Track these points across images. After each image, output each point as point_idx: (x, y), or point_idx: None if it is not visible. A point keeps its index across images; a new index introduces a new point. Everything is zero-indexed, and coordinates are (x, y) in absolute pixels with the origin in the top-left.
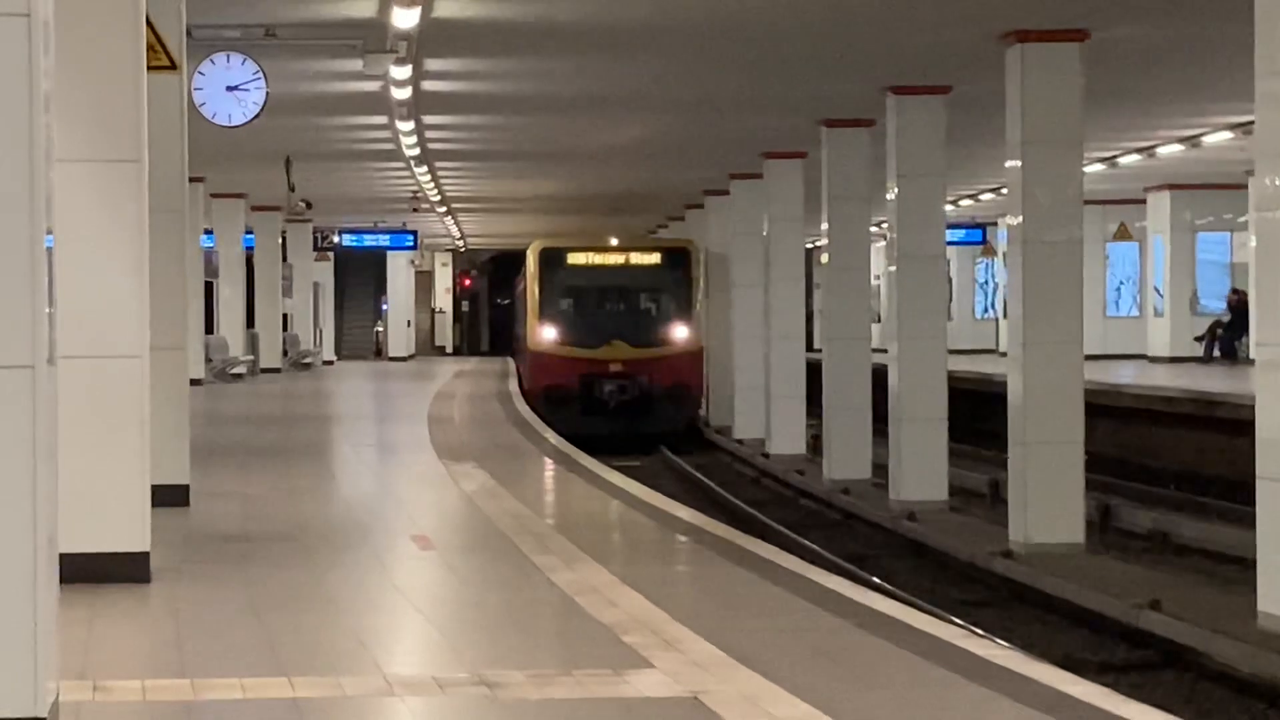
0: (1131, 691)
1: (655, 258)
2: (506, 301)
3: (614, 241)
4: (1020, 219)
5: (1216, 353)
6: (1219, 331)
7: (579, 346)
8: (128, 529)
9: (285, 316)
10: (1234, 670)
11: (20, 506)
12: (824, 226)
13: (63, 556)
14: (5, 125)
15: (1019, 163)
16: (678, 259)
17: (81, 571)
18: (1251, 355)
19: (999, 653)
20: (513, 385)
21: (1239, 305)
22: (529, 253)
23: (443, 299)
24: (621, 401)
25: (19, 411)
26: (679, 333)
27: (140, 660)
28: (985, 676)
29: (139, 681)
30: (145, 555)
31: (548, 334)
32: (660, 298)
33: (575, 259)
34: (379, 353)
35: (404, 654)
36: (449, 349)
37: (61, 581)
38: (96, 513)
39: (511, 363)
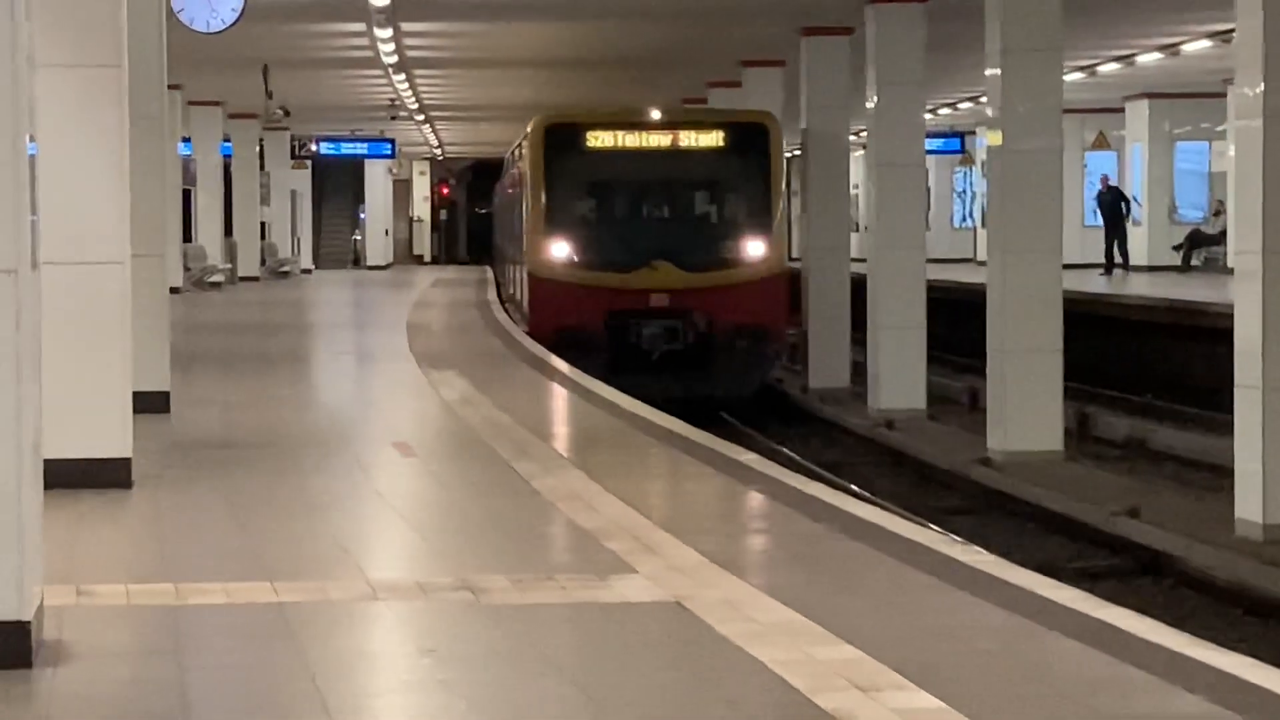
0: (1110, 597)
1: (717, 137)
2: (486, 210)
3: (655, 114)
4: (999, 128)
5: (1195, 261)
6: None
7: (605, 270)
8: (110, 435)
9: (263, 225)
10: (1211, 576)
11: (4, 411)
12: (803, 135)
13: (45, 462)
14: None
15: (998, 71)
16: (750, 139)
17: (64, 477)
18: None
19: (978, 558)
20: (491, 294)
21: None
22: (529, 133)
23: (421, 208)
24: (669, 351)
25: (2, 316)
26: (753, 249)
27: (124, 565)
28: (965, 581)
29: (123, 586)
30: (127, 461)
31: (558, 252)
32: (725, 197)
33: (597, 140)
34: (357, 261)
35: (387, 559)
36: (427, 258)
37: (45, 487)
38: (79, 418)
39: (490, 271)
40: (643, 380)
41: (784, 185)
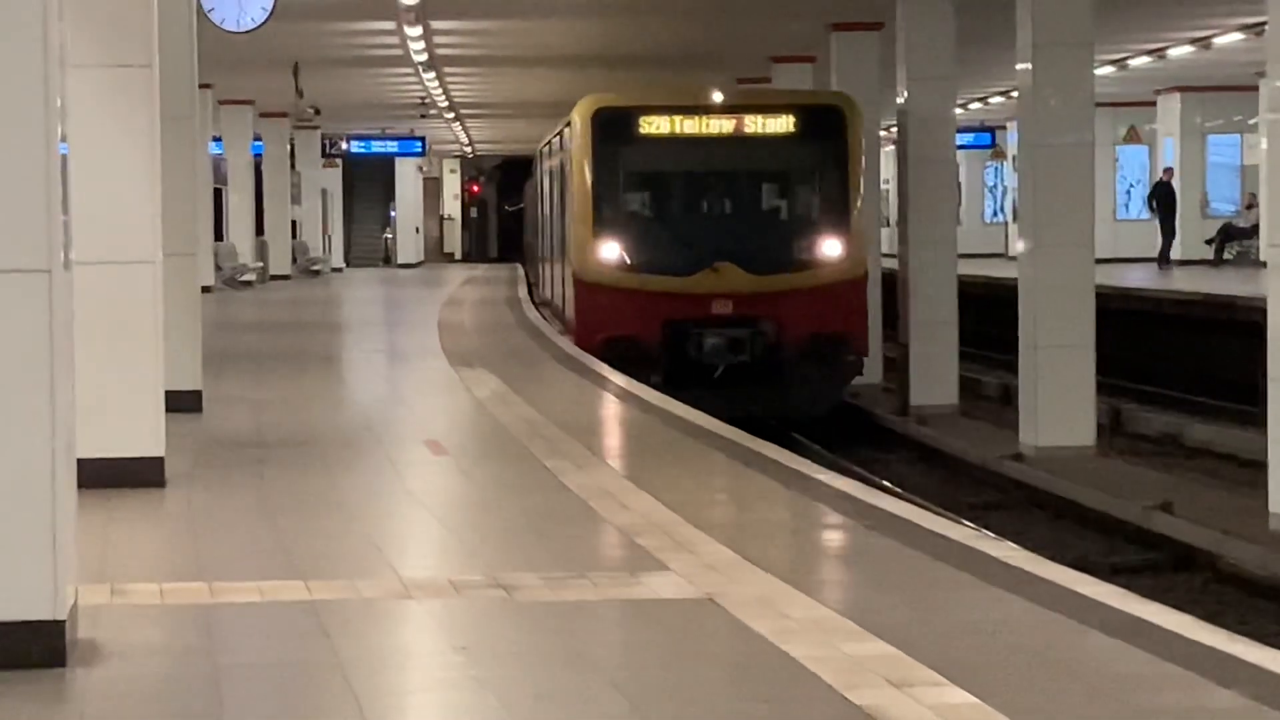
0: (1144, 593)
1: (787, 122)
2: (517, 207)
3: (716, 96)
4: (1031, 122)
5: (1227, 255)
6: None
7: (661, 273)
8: (142, 434)
9: (294, 224)
10: (1245, 571)
11: (38, 411)
12: None
13: (79, 462)
14: (19, 33)
15: (1029, 65)
16: (824, 123)
17: (97, 477)
18: (1262, 258)
19: (1011, 554)
20: (522, 291)
21: None
22: (575, 118)
23: (451, 205)
24: (735, 365)
25: (36, 315)
26: (829, 248)
27: (157, 563)
28: (998, 577)
29: (156, 585)
30: (160, 460)
31: (607, 253)
32: (796, 190)
33: (652, 126)
34: (388, 260)
35: (419, 557)
36: (457, 255)
37: (78, 487)
38: (112, 418)
39: (521, 269)
40: (703, 397)
41: (862, 175)
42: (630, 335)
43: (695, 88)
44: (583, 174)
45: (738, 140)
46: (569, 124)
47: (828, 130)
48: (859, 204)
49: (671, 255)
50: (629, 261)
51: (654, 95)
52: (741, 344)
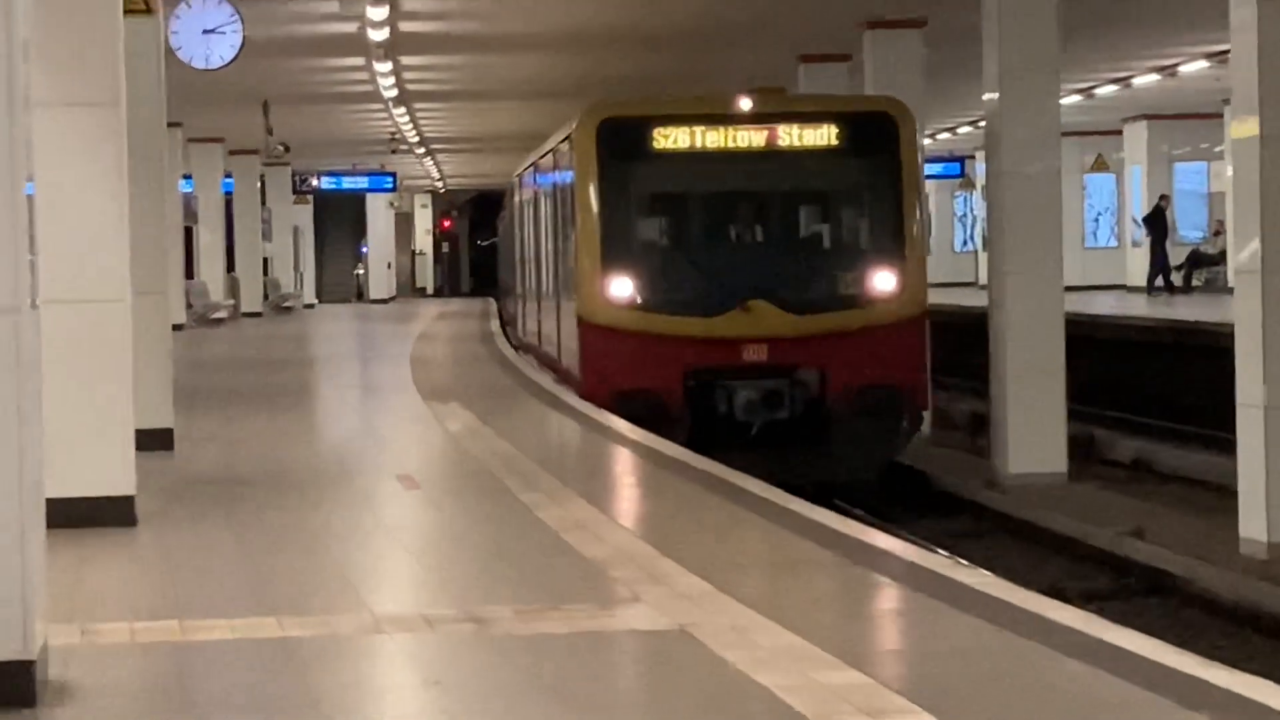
0: (1115, 618)
1: (829, 133)
2: (490, 241)
3: (744, 103)
4: (999, 151)
5: (1195, 282)
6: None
7: (683, 314)
8: (113, 473)
9: (265, 260)
10: (1216, 596)
11: (5, 451)
12: None
13: (49, 501)
14: None
15: (996, 95)
16: (873, 134)
17: (68, 516)
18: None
19: (984, 581)
20: (494, 325)
21: None
22: (576, 131)
23: (423, 240)
24: (773, 421)
25: (2, 355)
26: (881, 281)
27: (128, 603)
28: (970, 604)
29: (127, 624)
30: (131, 499)
31: (618, 291)
32: (841, 214)
33: (669, 140)
34: (360, 295)
35: (392, 592)
36: (430, 290)
37: (48, 527)
38: (81, 457)
39: (494, 303)
40: (734, 460)
41: (919, 194)
42: (646, 388)
43: (718, 93)
44: (587, 198)
45: (771, 155)
46: (567, 139)
47: (877, 142)
48: (915, 228)
49: (694, 292)
50: (644, 300)
51: (670, 103)
52: (779, 398)
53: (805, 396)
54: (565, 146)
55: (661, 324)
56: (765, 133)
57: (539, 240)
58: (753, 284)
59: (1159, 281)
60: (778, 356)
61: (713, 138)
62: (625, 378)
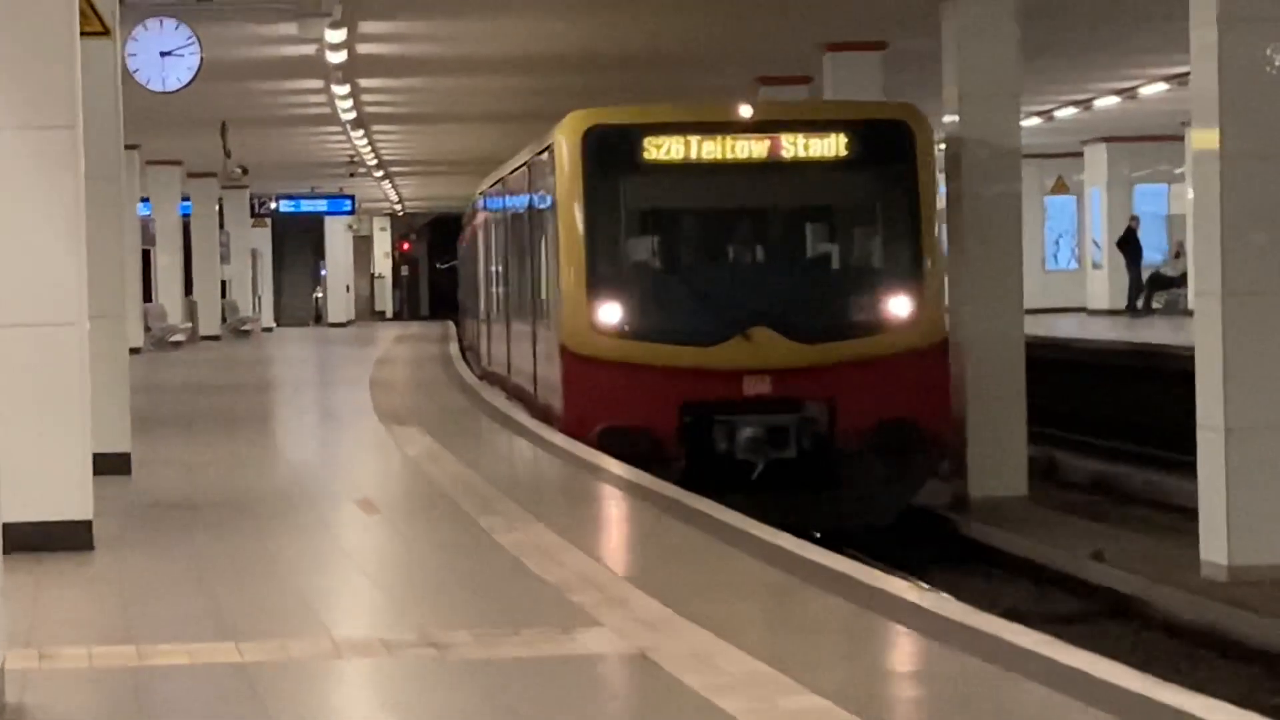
0: (1077, 641)
1: (837, 143)
2: (449, 264)
3: (744, 111)
4: (959, 173)
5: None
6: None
7: (678, 343)
8: (69, 497)
9: (223, 283)
10: (1178, 619)
11: None
12: None
13: (4, 526)
14: None
15: (956, 117)
16: (886, 144)
17: (24, 541)
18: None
19: (944, 605)
20: (453, 348)
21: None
22: (559, 141)
23: (382, 264)
24: (778, 461)
25: None
26: (896, 306)
27: (85, 628)
28: (931, 628)
29: (85, 649)
30: (88, 524)
31: (606, 317)
32: (851, 232)
33: (662, 150)
34: (318, 319)
35: (350, 617)
36: (389, 314)
37: (4, 551)
38: (38, 482)
39: (453, 326)
40: (735, 503)
41: (937, 210)
42: (637, 425)
43: (713, 102)
44: (571, 214)
45: (774, 167)
46: (546, 150)
47: (891, 152)
48: (934, 248)
49: (690, 319)
50: (634, 328)
51: (662, 110)
52: (784, 435)
53: (813, 433)
54: (544, 158)
55: (654, 354)
56: (768, 142)
57: (508, 262)
58: (755, 310)
59: (1140, 303)
60: (783, 389)
61: (709, 148)
62: (613, 413)
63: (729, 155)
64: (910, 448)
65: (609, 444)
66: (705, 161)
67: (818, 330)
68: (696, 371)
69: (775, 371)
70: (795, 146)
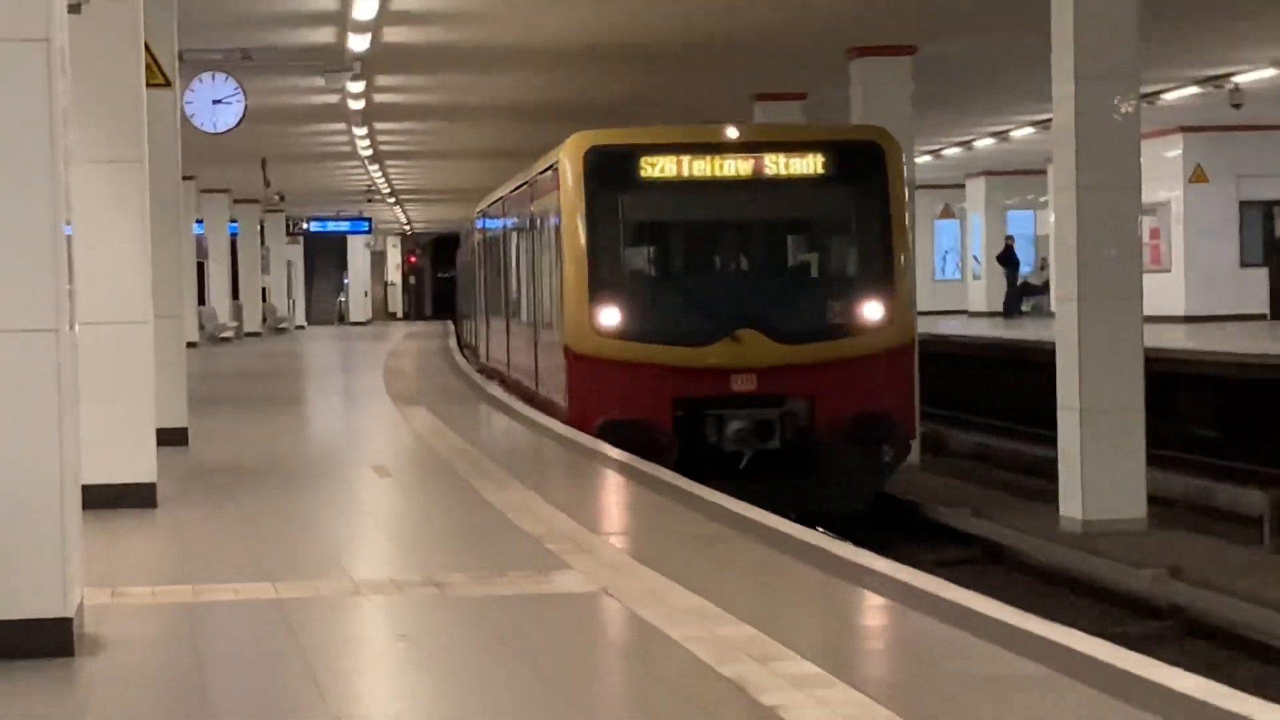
0: (961, 581)
1: (816, 162)
2: (449, 274)
3: (732, 132)
4: None
5: (1024, 308)
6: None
7: (671, 343)
8: (138, 464)
9: (264, 290)
10: (1038, 562)
11: (49, 444)
12: None
13: (84, 487)
14: (31, 136)
15: None
16: (861, 164)
17: (100, 499)
18: (1053, 308)
19: (857, 554)
20: (451, 343)
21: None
22: (562, 161)
23: (394, 274)
24: (763, 451)
25: (46, 366)
26: (870, 311)
27: (150, 570)
28: (845, 574)
29: (149, 588)
30: (152, 485)
31: (606, 320)
32: (830, 243)
33: (657, 168)
34: (342, 318)
35: (367, 561)
36: (399, 315)
37: (84, 508)
38: (111, 450)
39: (452, 325)
40: (722, 489)
41: (907, 224)
42: (635, 418)
43: (705, 126)
44: (574, 227)
45: (759, 184)
46: (551, 168)
47: (865, 170)
48: (904, 258)
49: (683, 322)
50: (632, 330)
51: (657, 132)
52: (769, 427)
53: (795, 426)
54: (548, 176)
55: (650, 354)
56: (753, 162)
57: (510, 269)
58: (742, 313)
59: (1024, 305)
60: (768, 386)
61: (700, 166)
62: (613, 408)
63: (718, 173)
64: (881, 440)
65: (608, 436)
66: (696, 179)
67: (799, 332)
68: (688, 370)
69: (760, 370)
70: (778, 165)
